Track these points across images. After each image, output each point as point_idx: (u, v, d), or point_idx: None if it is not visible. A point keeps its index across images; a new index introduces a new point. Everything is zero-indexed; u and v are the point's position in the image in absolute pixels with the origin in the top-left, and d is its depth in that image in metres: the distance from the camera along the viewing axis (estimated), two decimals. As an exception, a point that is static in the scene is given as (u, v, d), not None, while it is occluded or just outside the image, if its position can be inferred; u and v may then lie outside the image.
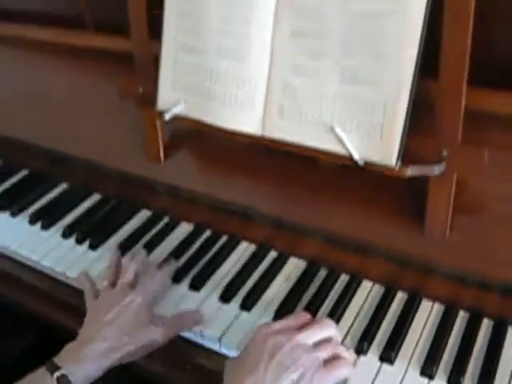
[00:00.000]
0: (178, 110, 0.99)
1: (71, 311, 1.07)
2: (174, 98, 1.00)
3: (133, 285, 0.97)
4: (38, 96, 1.34)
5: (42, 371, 0.84)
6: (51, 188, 1.33)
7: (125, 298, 0.93)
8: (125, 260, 1.02)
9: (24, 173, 1.40)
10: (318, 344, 0.80)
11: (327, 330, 0.82)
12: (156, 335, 0.91)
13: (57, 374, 0.83)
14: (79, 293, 1.02)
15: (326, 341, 0.81)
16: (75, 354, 0.86)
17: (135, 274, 0.98)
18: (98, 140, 1.23)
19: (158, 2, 1.01)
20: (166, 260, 1.07)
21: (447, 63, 0.81)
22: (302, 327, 0.82)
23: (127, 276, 0.98)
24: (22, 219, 1.25)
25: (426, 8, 0.78)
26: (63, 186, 1.33)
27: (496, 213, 0.88)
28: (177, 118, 1.01)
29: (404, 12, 0.78)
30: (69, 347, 0.88)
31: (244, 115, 0.93)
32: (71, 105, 1.28)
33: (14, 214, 1.26)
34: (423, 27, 0.78)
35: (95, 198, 1.28)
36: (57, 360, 0.86)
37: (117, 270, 1.01)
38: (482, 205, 0.89)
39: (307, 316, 0.85)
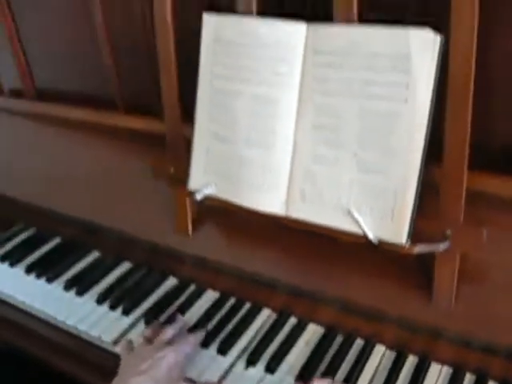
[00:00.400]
0: (208, 191, 1.11)
1: (104, 373, 1.15)
2: (205, 180, 1.12)
3: (168, 344, 1.06)
4: (73, 170, 1.46)
5: None
6: (83, 256, 1.43)
7: (159, 352, 1.02)
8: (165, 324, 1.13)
9: (57, 241, 1.51)
10: None
11: None
12: None
13: None
14: (112, 355, 1.12)
15: None
16: None
17: (172, 336, 1.08)
18: (129, 213, 1.34)
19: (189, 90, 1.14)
20: (197, 327, 1.16)
21: (449, 152, 0.92)
22: None
23: (165, 335, 1.07)
24: (58, 285, 1.35)
25: (431, 107, 0.90)
26: (95, 255, 1.44)
27: (496, 283, 0.98)
28: (206, 198, 1.13)
29: (412, 112, 0.90)
30: None
31: (269, 198, 1.05)
32: (105, 179, 1.40)
33: (49, 281, 1.36)
34: (428, 124, 0.90)
35: (126, 266, 1.38)
36: None
37: (155, 331, 1.11)
38: (483, 276, 0.99)
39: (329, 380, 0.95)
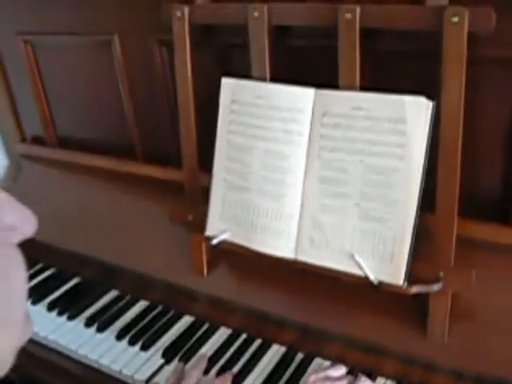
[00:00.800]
0: (224, 237, 1.23)
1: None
2: (221, 226, 1.24)
3: None
4: (93, 214, 1.58)
5: None
6: (102, 295, 1.55)
7: None
8: (189, 367, 1.23)
9: (76, 280, 1.63)
10: None
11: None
12: None
13: None
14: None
15: None
16: None
17: (197, 380, 1.18)
18: (147, 255, 1.46)
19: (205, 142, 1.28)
20: (211, 362, 1.27)
21: (441, 201, 1.05)
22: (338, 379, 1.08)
23: (190, 380, 1.16)
24: (78, 323, 1.46)
25: (424, 163, 1.03)
26: (113, 294, 1.55)
27: (486, 319, 1.09)
28: (222, 242, 1.25)
29: (408, 168, 1.04)
30: None
31: (280, 243, 1.17)
32: (123, 224, 1.52)
33: (70, 318, 1.47)
34: (422, 178, 1.04)
35: (142, 304, 1.50)
36: None
37: (180, 376, 1.20)
38: (473, 313, 1.10)
39: (343, 369, 1.12)
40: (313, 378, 1.08)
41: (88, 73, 1.58)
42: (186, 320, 1.42)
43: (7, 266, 0.49)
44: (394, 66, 1.11)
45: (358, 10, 1.04)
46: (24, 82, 1.71)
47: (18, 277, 0.50)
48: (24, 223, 0.51)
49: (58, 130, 1.76)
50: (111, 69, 1.51)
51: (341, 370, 1.14)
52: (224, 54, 1.32)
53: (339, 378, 1.11)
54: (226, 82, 1.20)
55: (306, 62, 1.18)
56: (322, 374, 1.10)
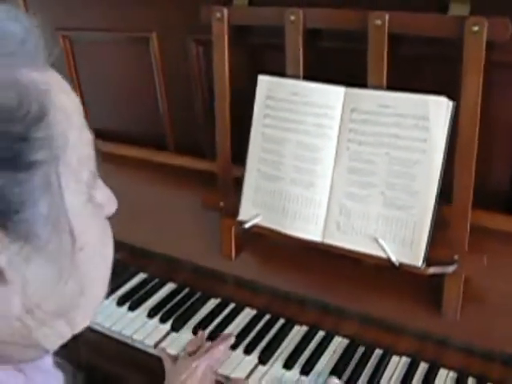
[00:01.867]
0: (256, 221, 1.36)
1: (150, 373, 1.40)
2: (254, 212, 1.37)
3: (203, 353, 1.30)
4: (124, 201, 1.70)
5: None
6: (132, 276, 1.67)
7: (195, 361, 1.26)
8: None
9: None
10: None
11: None
12: None
13: None
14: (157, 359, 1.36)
15: None
16: None
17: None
18: (176, 239, 1.59)
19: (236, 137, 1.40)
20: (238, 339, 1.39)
21: (458, 193, 1.18)
22: None
23: (202, 350, 1.31)
24: (111, 302, 1.58)
25: (443, 157, 1.17)
26: (142, 276, 1.68)
27: (495, 301, 1.21)
28: (254, 226, 1.38)
29: (429, 160, 1.17)
30: None
31: (309, 227, 1.31)
32: (156, 210, 1.65)
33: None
34: (441, 170, 1.17)
35: (171, 286, 1.62)
36: None
37: (196, 345, 1.34)
38: (484, 295, 1.23)
39: None
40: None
41: (124, 68, 1.71)
42: (213, 301, 1.54)
43: (107, 239, 0.63)
44: (417, 69, 1.25)
45: (387, 16, 1.17)
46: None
47: (111, 247, 0.64)
48: (109, 202, 0.64)
49: (91, 121, 1.87)
50: (148, 65, 1.63)
51: None
52: (258, 53, 1.45)
53: None
54: (262, 79, 1.33)
55: (336, 62, 1.31)
56: None
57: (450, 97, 1.15)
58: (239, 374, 1.31)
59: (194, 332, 1.43)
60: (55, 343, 0.60)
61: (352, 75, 1.23)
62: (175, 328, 1.46)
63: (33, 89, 0.51)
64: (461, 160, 1.17)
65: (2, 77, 0.49)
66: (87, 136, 0.59)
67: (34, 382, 0.61)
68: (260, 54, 1.45)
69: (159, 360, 1.36)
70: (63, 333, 0.59)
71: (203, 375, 1.25)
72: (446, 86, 1.16)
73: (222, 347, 1.33)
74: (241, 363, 1.34)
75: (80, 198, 0.56)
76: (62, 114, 0.54)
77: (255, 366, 1.33)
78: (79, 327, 0.61)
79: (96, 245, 0.59)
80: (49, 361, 0.65)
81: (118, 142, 1.74)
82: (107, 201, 0.63)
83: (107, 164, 1.74)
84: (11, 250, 0.50)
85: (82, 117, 0.58)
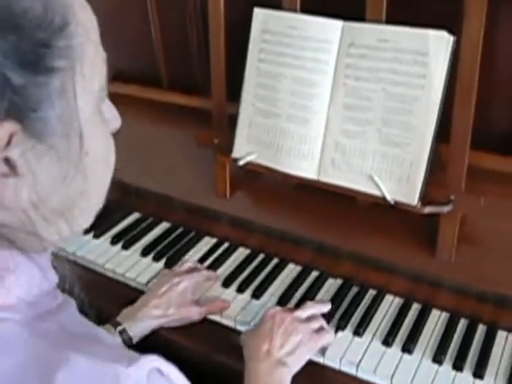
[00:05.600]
0: (250, 158, 1.36)
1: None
2: (248, 149, 1.37)
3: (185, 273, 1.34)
4: (117, 139, 1.70)
5: (108, 326, 1.20)
6: (126, 216, 1.68)
7: (176, 278, 1.31)
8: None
9: (100, 203, 1.75)
10: (309, 318, 1.19)
11: (314, 309, 1.23)
12: (195, 313, 1.28)
13: (119, 328, 1.20)
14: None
15: (314, 317, 1.21)
16: (133, 315, 1.23)
17: (189, 268, 1.37)
18: (170, 177, 1.59)
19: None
20: (230, 278, 1.41)
21: (456, 132, 1.18)
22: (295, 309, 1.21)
23: (183, 266, 1.37)
24: (104, 240, 1.59)
25: (443, 94, 1.16)
26: (136, 215, 1.69)
27: (490, 242, 1.22)
28: (248, 164, 1.38)
29: (427, 97, 1.16)
30: (128, 310, 1.25)
31: (304, 164, 1.31)
32: (147, 147, 1.64)
33: (96, 236, 1.61)
34: (440, 107, 1.16)
35: (165, 225, 1.63)
36: (119, 318, 1.23)
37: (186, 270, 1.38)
38: (478, 236, 1.24)
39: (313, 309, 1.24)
40: (272, 311, 1.19)
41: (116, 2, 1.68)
42: (207, 240, 1.55)
43: (110, 150, 0.70)
44: (418, 2, 1.22)
45: None
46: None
47: (113, 158, 0.72)
48: (113, 119, 0.72)
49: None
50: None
51: (311, 310, 1.23)
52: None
53: (309, 319, 1.21)
54: (258, 12, 1.31)
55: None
56: (279, 308, 1.22)
57: (451, 31, 1.13)
58: (231, 312, 1.32)
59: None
60: (55, 240, 0.65)
61: (351, 9, 1.21)
62: (168, 266, 1.47)
63: (57, 1, 0.56)
64: (460, 98, 1.16)
65: None
66: (101, 53, 0.64)
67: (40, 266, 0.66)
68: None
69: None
70: (62, 231, 0.65)
71: (183, 291, 1.29)
72: (448, 20, 1.14)
73: (205, 272, 1.37)
74: (233, 301, 1.35)
75: (90, 107, 0.62)
76: (82, 28, 0.59)
77: (247, 304, 1.34)
78: (78, 228, 0.67)
79: (100, 152, 0.66)
80: (49, 257, 0.70)
81: (109, 78, 1.72)
82: (112, 117, 0.71)
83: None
84: (25, 146, 0.56)
85: (97, 35, 0.64)
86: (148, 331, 1.24)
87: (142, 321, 1.23)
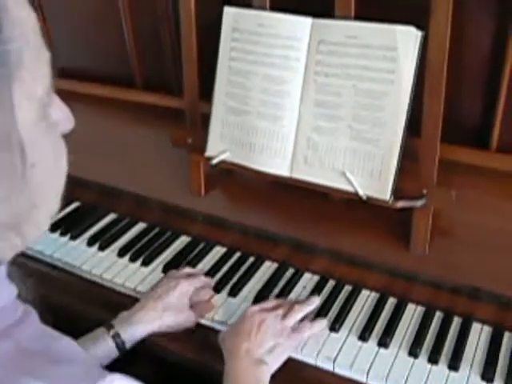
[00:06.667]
0: (223, 156, 1.36)
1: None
2: (221, 148, 1.37)
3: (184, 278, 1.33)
4: (92, 140, 1.69)
5: (101, 329, 1.19)
6: (102, 217, 1.68)
7: (174, 281, 1.29)
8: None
9: (76, 204, 1.75)
10: (286, 315, 1.20)
11: (302, 312, 1.23)
12: (191, 318, 1.27)
13: (112, 332, 1.18)
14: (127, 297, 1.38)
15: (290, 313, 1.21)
16: (128, 319, 1.21)
17: (187, 273, 1.36)
18: (145, 177, 1.59)
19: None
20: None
21: (426, 125, 1.19)
22: (274, 308, 1.22)
23: (182, 271, 1.35)
24: (81, 242, 1.59)
25: (412, 88, 1.17)
26: (112, 216, 1.68)
27: (463, 235, 1.24)
28: (221, 162, 1.38)
29: (397, 92, 1.17)
30: (124, 314, 1.23)
31: (277, 161, 1.31)
32: (123, 149, 1.64)
33: (73, 238, 1.60)
34: (410, 102, 1.17)
35: (141, 226, 1.63)
36: (114, 322, 1.21)
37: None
38: (451, 229, 1.25)
39: (278, 301, 1.25)
40: (251, 309, 1.20)
41: (89, 1, 1.67)
42: (183, 239, 1.55)
43: (60, 156, 0.65)
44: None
45: None
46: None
47: (65, 163, 0.67)
48: (65, 120, 0.66)
49: (56, 59, 1.84)
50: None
51: (299, 315, 1.24)
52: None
53: (275, 308, 1.23)
54: (228, 11, 1.31)
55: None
56: (257, 307, 1.22)
57: (419, 27, 1.14)
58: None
59: (164, 271, 1.44)
60: (7, 254, 0.62)
61: (321, 6, 1.21)
62: (145, 265, 1.47)
63: None
64: (429, 92, 1.17)
65: None
66: (44, 54, 0.58)
67: None
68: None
69: (128, 297, 1.38)
70: (14, 244, 0.61)
71: (180, 295, 1.28)
72: (416, 15, 1.14)
73: (203, 278, 1.36)
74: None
75: (33, 114, 0.57)
76: (19, 29, 0.53)
77: (224, 302, 1.34)
78: (30, 239, 0.63)
79: (49, 162, 0.61)
80: (2, 273, 0.66)
81: (84, 80, 1.72)
82: (63, 118, 0.65)
83: (74, 103, 1.71)
84: None
85: (38, 34, 0.58)
86: (142, 336, 1.22)
87: (137, 324, 1.21)
